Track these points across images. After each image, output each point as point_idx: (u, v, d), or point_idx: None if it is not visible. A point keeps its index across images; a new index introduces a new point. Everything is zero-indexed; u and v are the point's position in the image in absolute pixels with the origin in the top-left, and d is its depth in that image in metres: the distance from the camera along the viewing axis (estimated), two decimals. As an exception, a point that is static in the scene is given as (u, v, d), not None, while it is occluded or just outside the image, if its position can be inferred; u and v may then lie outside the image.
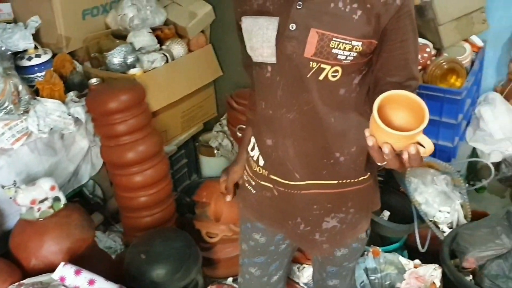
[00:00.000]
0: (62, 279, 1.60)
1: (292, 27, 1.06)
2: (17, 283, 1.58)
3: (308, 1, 1.05)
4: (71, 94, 2.20)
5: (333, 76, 1.09)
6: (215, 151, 2.87)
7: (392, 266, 1.95)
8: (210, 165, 2.97)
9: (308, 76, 1.08)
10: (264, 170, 1.29)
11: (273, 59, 1.10)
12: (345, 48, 1.04)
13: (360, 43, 1.05)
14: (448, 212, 2.08)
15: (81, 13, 2.46)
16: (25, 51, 2.24)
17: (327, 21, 1.04)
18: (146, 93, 2.20)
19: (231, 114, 2.73)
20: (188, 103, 2.74)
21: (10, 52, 2.14)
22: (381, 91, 0.93)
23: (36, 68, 2.24)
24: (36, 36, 2.31)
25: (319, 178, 1.21)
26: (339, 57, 1.05)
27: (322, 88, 1.10)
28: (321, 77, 1.08)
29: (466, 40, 2.58)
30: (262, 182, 1.31)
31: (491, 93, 2.69)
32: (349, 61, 1.06)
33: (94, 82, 2.30)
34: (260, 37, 1.10)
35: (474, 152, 2.68)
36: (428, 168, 2.19)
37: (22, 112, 1.96)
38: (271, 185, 1.28)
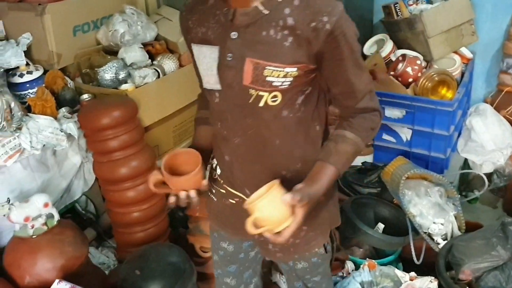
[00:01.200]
0: (56, 297, 1.58)
1: (229, 57, 1.08)
2: (9, 302, 1.56)
3: (242, 31, 1.07)
4: (63, 110, 2.20)
5: (273, 101, 1.11)
6: (208, 165, 2.87)
7: (388, 279, 1.94)
8: (203, 180, 2.95)
9: (249, 102, 1.11)
10: (220, 180, 1.33)
11: (218, 87, 1.13)
12: (279, 75, 1.06)
13: (294, 69, 1.06)
14: (442, 224, 2.08)
15: (72, 29, 2.47)
16: (16, 68, 2.24)
17: (260, 49, 1.05)
18: (138, 109, 2.21)
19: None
20: (179, 117, 2.74)
21: (2, 69, 2.13)
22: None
23: (28, 85, 2.24)
24: (27, 53, 2.32)
25: None
26: (274, 84, 1.07)
27: (264, 113, 1.12)
28: (261, 104, 1.10)
29: (455, 52, 2.61)
30: (221, 190, 1.34)
31: (482, 104, 2.72)
32: (286, 86, 1.08)
33: (86, 98, 2.30)
34: (205, 65, 1.13)
35: (466, 163, 2.71)
36: (421, 180, 2.21)
37: (14, 129, 1.96)
38: (229, 197, 1.32)
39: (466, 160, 2.68)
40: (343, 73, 1.10)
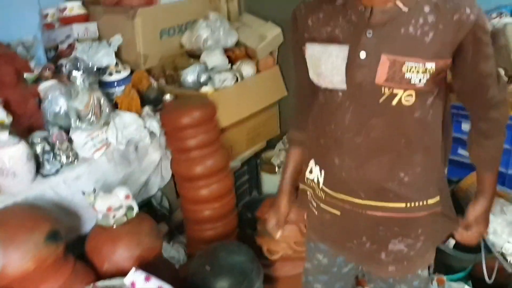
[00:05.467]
0: (133, 284, 1.67)
1: (363, 55, 1.07)
2: (92, 284, 1.67)
3: (378, 29, 1.06)
4: (147, 109, 2.32)
5: (407, 101, 1.09)
6: (276, 169, 2.92)
7: (456, 296, 1.91)
8: (270, 182, 3.01)
9: (380, 101, 1.10)
10: (322, 193, 1.30)
11: (343, 86, 1.12)
12: (418, 71, 1.05)
13: (433, 64, 1.05)
14: (517, 244, 2.01)
15: (159, 32, 2.61)
16: (107, 67, 2.39)
17: (398, 46, 1.05)
18: (216, 110, 2.29)
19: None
20: (253, 121, 2.82)
21: (94, 68, 2.29)
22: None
23: (116, 83, 2.39)
24: (117, 54, 2.48)
25: (385, 200, 1.21)
26: (412, 81, 1.06)
27: (395, 113, 1.11)
28: (394, 102, 1.09)
29: (541, 68, 2.51)
30: (322, 205, 1.32)
31: None
32: (423, 84, 1.07)
33: (168, 98, 2.41)
34: (330, 64, 1.12)
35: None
36: (498, 197, 2.14)
37: (103, 124, 2.09)
38: (330, 208, 1.29)
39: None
40: (479, 65, 1.10)
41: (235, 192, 2.50)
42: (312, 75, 1.20)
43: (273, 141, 3.07)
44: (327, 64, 1.12)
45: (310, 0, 1.20)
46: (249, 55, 2.82)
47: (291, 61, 2.99)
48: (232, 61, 2.73)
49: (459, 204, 2.27)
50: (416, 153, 1.18)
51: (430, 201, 1.24)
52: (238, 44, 2.83)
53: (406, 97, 1.09)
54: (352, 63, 1.09)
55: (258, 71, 2.80)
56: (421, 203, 1.22)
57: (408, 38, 1.05)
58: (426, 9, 1.04)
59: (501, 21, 2.52)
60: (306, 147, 1.36)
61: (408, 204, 1.22)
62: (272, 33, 2.86)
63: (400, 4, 1.05)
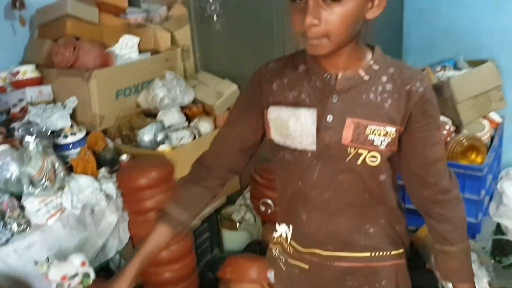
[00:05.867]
0: None
1: (330, 118, 1.14)
2: None
3: (343, 94, 1.13)
4: (103, 170, 2.29)
5: (372, 161, 1.15)
6: (238, 225, 2.90)
7: None
8: (232, 239, 2.98)
9: (346, 160, 1.15)
10: (291, 248, 1.32)
11: (313, 147, 1.17)
12: (380, 133, 1.12)
13: (393, 129, 1.13)
14: (475, 291, 2.04)
15: (115, 93, 2.61)
16: (61, 129, 2.37)
17: (361, 111, 1.12)
18: (174, 169, 2.29)
19: (254, 188, 2.78)
20: (213, 177, 2.81)
21: (49, 131, 2.26)
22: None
23: (71, 146, 2.36)
24: (72, 115, 2.45)
25: (352, 250, 1.25)
26: (375, 143, 1.13)
27: (360, 171, 1.16)
28: (359, 162, 1.15)
29: (484, 117, 2.64)
30: (290, 260, 1.34)
31: (513, 168, 2.72)
32: (385, 146, 1.14)
33: (125, 159, 2.40)
34: (300, 127, 1.16)
35: (499, 228, 2.67)
36: (452, 245, 2.19)
37: (57, 188, 2.05)
38: (299, 262, 1.31)
39: (498, 224, 2.65)
40: (425, 141, 1.16)
41: (195, 251, 2.46)
42: (275, 136, 1.23)
43: (233, 197, 3.06)
44: (296, 127, 1.17)
45: (273, 66, 1.25)
46: (207, 112, 2.86)
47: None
48: (189, 119, 2.76)
49: (417, 253, 2.31)
50: (379, 206, 1.24)
51: (394, 252, 1.28)
52: (195, 101, 2.87)
53: (370, 158, 1.15)
54: (320, 126, 1.15)
55: (216, 127, 2.82)
56: (385, 253, 1.27)
57: (369, 103, 1.12)
58: (384, 78, 1.13)
59: (445, 74, 2.68)
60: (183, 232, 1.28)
61: (373, 253, 1.26)
62: (229, 90, 2.91)
63: (362, 73, 1.13)
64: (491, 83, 2.55)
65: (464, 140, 2.41)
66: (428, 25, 2.89)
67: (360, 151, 1.14)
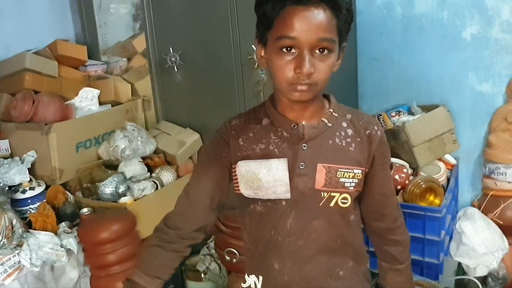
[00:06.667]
0: None
1: (302, 166, 1.19)
2: None
3: (311, 142, 1.20)
4: (63, 225, 2.24)
5: (343, 203, 1.22)
6: (202, 275, 2.85)
7: None
8: (197, 290, 2.93)
9: (320, 205, 1.21)
10: None
11: (287, 195, 1.20)
12: (349, 176, 1.20)
13: (360, 171, 1.22)
14: (441, 332, 2.07)
15: (75, 146, 2.59)
16: (19, 184, 2.31)
17: (330, 155, 1.20)
18: (137, 221, 2.26)
19: (219, 237, 2.75)
20: (176, 227, 2.78)
21: (6, 187, 2.20)
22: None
23: (29, 201, 2.31)
24: (31, 169, 2.41)
25: None
26: (346, 184, 1.21)
27: (333, 214, 1.22)
28: (332, 204, 1.21)
29: (440, 159, 2.74)
30: None
31: (469, 208, 2.79)
32: (353, 187, 1.22)
33: (86, 212, 2.35)
34: (272, 177, 1.19)
35: (460, 267, 2.72)
36: (418, 287, 2.22)
37: (14, 246, 1.99)
38: None
39: (460, 264, 2.71)
40: (383, 179, 1.29)
41: (160, 304, 2.40)
42: (244, 190, 1.24)
43: (197, 246, 3.03)
44: (269, 177, 1.20)
45: (236, 122, 1.28)
46: (169, 162, 2.85)
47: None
48: (151, 169, 2.74)
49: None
50: (348, 249, 1.29)
51: None
52: (156, 151, 2.86)
53: (341, 200, 1.22)
54: (293, 174, 1.20)
55: (178, 176, 2.81)
56: None
57: (336, 148, 1.21)
58: (344, 124, 1.24)
59: (400, 119, 2.77)
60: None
61: None
62: (191, 139, 2.93)
63: (326, 120, 1.22)
64: (444, 127, 2.66)
65: (421, 182, 2.48)
66: (380, 72, 3.01)
67: (332, 194, 1.21)
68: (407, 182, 2.53)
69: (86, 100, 2.77)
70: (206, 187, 1.28)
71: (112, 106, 2.91)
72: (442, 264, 2.51)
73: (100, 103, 2.87)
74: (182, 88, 2.98)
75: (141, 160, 2.71)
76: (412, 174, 2.65)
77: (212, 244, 2.88)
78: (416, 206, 2.43)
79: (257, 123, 1.26)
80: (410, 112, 2.85)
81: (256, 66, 2.63)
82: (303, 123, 1.21)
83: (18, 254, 1.98)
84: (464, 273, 2.68)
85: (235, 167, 1.25)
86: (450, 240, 2.74)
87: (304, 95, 1.11)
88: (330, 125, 1.22)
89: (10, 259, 1.95)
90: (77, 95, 2.79)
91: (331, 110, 1.23)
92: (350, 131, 1.23)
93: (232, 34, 2.66)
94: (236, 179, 1.26)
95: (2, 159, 2.38)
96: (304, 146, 1.20)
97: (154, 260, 1.28)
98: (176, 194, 2.76)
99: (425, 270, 2.41)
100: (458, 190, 2.89)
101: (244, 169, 1.23)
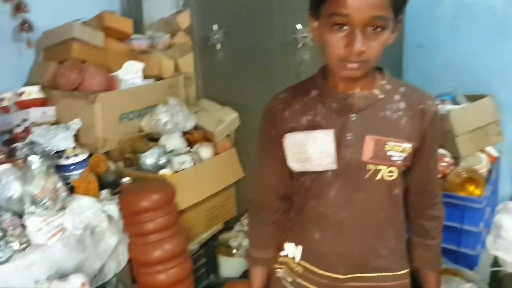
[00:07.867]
0: None
1: (350, 136, 1.18)
2: None
3: (360, 113, 1.19)
4: (105, 192, 2.29)
5: (389, 176, 1.20)
6: (234, 251, 2.89)
7: None
8: (228, 265, 2.96)
9: (365, 177, 1.20)
10: (300, 267, 1.33)
11: (333, 166, 1.20)
12: (397, 149, 1.18)
13: (409, 145, 1.19)
14: (475, 323, 2.04)
15: (119, 117, 2.64)
16: (64, 150, 2.37)
17: (379, 128, 1.18)
18: (175, 193, 2.29)
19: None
20: (211, 202, 2.82)
21: (52, 152, 2.27)
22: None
23: (73, 167, 2.36)
24: (75, 137, 2.47)
25: (363, 271, 1.28)
26: (393, 158, 1.18)
27: (378, 188, 1.21)
28: (378, 177, 1.20)
29: (482, 151, 2.68)
30: (298, 280, 1.34)
31: (510, 202, 2.73)
32: (401, 161, 1.20)
33: (127, 181, 2.40)
34: (317, 148, 1.20)
35: (496, 260, 2.68)
36: (453, 275, 2.19)
37: (59, 208, 2.04)
38: (307, 283, 1.32)
39: (495, 258, 2.66)
40: (433, 155, 1.28)
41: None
42: (292, 164, 1.26)
43: (230, 223, 3.06)
44: (314, 148, 1.20)
45: (283, 96, 1.29)
46: (207, 138, 2.88)
47: (247, 144, 3.10)
48: (190, 144, 2.78)
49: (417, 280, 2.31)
50: (390, 227, 1.28)
51: (401, 272, 1.32)
52: (196, 127, 2.89)
53: (388, 173, 1.20)
54: (340, 144, 1.19)
55: (215, 153, 2.84)
56: (393, 273, 1.30)
57: (386, 120, 1.19)
58: (396, 97, 1.21)
59: (444, 107, 2.72)
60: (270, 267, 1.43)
61: (383, 274, 1.29)
62: (229, 117, 2.95)
63: (377, 91, 1.20)
64: (489, 117, 2.60)
65: (463, 172, 2.44)
66: (426, 59, 2.95)
67: (379, 167, 1.19)
68: (448, 171, 2.49)
69: (130, 73, 2.81)
70: (273, 167, 1.33)
71: (155, 80, 2.95)
72: (478, 256, 2.47)
73: (144, 77, 2.91)
74: (223, 66, 3.00)
75: (182, 135, 2.74)
76: (453, 164, 2.60)
77: (245, 221, 2.91)
78: (456, 195, 2.39)
79: (305, 95, 1.25)
80: (455, 101, 2.79)
81: (299, 46, 2.62)
82: (354, 92, 1.19)
83: (61, 216, 2.04)
84: (500, 267, 2.63)
85: (283, 140, 1.27)
86: (487, 233, 2.69)
87: (355, 72, 1.10)
88: (381, 96, 1.20)
89: (54, 220, 2.01)
90: (121, 67, 2.84)
91: (384, 82, 1.21)
92: (402, 104, 1.20)
93: (276, 13, 2.65)
94: (285, 152, 1.27)
95: (49, 125, 2.44)
96: (353, 117, 1.18)
97: (262, 235, 1.42)
98: (214, 170, 2.84)
99: (461, 260, 2.38)
100: (498, 183, 2.83)
101: (292, 141, 1.24)
